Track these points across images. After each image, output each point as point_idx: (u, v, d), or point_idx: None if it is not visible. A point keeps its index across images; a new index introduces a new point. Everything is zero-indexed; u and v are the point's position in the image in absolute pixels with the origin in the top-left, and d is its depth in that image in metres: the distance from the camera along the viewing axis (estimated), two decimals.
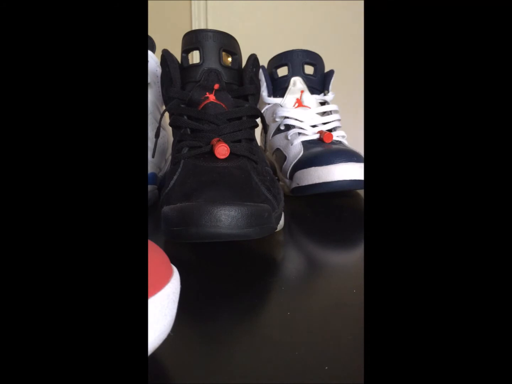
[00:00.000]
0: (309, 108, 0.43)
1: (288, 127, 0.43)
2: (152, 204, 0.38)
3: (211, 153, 0.27)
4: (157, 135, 0.32)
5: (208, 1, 1.24)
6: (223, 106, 0.30)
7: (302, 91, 0.44)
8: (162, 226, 0.23)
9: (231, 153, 0.27)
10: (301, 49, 0.45)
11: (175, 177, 0.27)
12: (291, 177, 0.39)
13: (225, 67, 0.32)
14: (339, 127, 0.43)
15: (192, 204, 0.22)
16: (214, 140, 0.28)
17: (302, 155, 0.39)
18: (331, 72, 0.46)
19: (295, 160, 0.39)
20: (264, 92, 0.46)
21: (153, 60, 0.42)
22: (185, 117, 0.30)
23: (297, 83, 0.45)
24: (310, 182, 0.36)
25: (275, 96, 0.46)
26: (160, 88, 0.42)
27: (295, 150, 0.40)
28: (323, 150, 0.37)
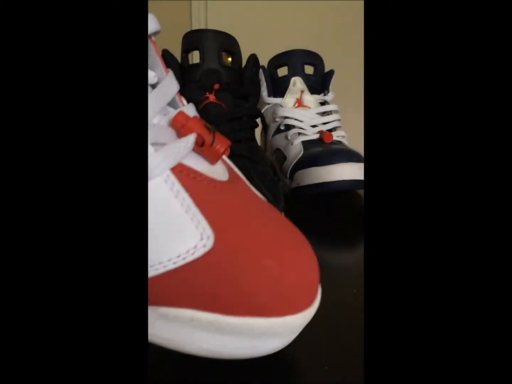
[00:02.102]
0: (309, 108, 0.43)
1: (288, 127, 0.43)
2: None
3: None
4: None
5: (208, 1, 1.24)
6: (223, 106, 0.30)
7: (302, 91, 0.44)
8: None
9: (231, 153, 0.27)
10: (301, 49, 0.45)
11: None
12: (291, 177, 0.39)
13: (225, 67, 0.32)
14: (339, 127, 0.43)
15: None
16: None
17: (302, 155, 0.39)
18: (331, 72, 0.46)
19: (295, 160, 0.39)
20: (264, 92, 0.46)
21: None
22: None
23: (297, 83, 0.44)
24: (310, 182, 0.36)
25: (275, 96, 0.46)
26: None
27: (295, 150, 0.40)
28: (323, 150, 0.37)
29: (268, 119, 0.46)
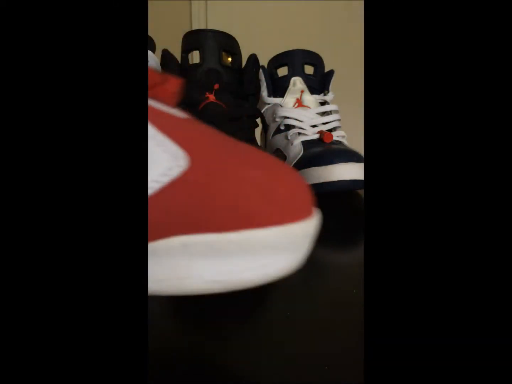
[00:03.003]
0: (309, 108, 0.43)
1: (288, 127, 0.43)
2: None
3: None
4: None
5: (208, 1, 1.24)
6: (223, 106, 0.30)
7: (302, 91, 0.44)
8: None
9: None
10: (301, 49, 0.45)
11: None
12: None
13: (225, 67, 0.32)
14: (339, 127, 0.43)
15: None
16: None
17: (302, 155, 0.39)
18: (331, 72, 0.46)
19: (295, 160, 0.39)
20: (264, 92, 0.46)
21: (153, 61, 0.42)
22: None
23: (297, 83, 0.44)
24: (310, 182, 0.36)
25: (275, 96, 0.46)
26: None
27: (295, 150, 0.40)
28: (323, 150, 0.37)
29: (268, 119, 0.46)
